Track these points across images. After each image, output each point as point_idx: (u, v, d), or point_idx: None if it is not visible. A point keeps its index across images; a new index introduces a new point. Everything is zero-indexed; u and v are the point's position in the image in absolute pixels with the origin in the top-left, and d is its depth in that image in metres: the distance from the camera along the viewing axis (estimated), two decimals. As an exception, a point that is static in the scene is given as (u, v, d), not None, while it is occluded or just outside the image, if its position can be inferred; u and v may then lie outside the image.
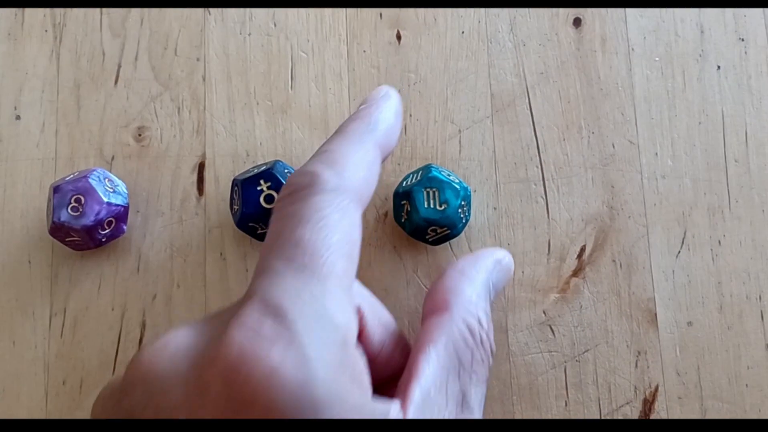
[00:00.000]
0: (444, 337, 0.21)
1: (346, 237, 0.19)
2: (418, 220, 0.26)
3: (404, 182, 0.27)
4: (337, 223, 0.19)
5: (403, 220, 0.27)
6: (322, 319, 0.18)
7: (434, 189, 0.26)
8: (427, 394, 0.19)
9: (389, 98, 0.24)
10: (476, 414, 0.20)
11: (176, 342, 0.19)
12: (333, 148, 0.21)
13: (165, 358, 0.18)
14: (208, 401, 0.17)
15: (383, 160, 0.23)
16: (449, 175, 0.27)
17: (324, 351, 0.17)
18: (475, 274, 0.23)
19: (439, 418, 0.19)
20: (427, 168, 0.27)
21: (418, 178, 0.26)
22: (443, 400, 0.20)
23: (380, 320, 0.22)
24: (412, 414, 0.19)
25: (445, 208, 0.26)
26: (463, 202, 0.26)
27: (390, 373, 0.22)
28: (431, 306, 0.22)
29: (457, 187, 0.26)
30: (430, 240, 0.27)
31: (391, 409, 0.18)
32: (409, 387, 0.19)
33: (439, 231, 0.26)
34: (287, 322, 0.17)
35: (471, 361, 0.21)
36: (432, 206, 0.26)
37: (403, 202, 0.26)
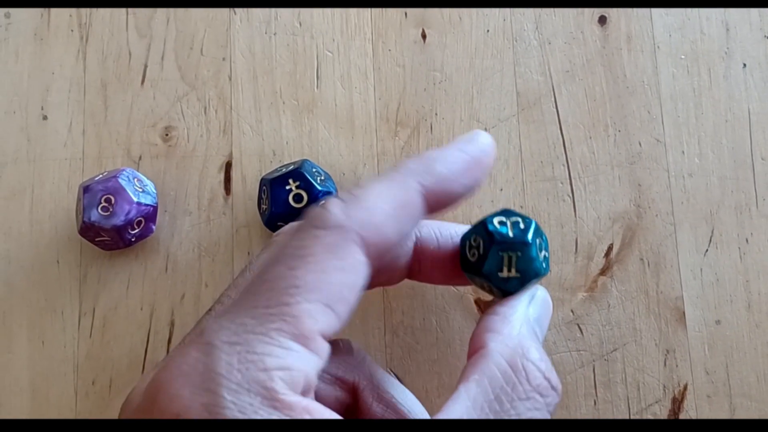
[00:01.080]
0: (477, 374, 0.19)
1: (324, 278, 0.18)
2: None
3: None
4: (316, 263, 0.18)
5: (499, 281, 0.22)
6: (249, 362, 0.17)
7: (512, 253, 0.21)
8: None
9: (469, 141, 0.21)
10: None
11: (138, 389, 0.20)
12: (363, 184, 0.19)
13: (126, 405, 0.20)
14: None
15: (434, 210, 0.20)
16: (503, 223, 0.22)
17: (241, 396, 0.16)
18: (511, 311, 0.21)
19: None
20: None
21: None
22: None
23: (381, 394, 0.22)
24: None
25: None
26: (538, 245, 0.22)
27: None
28: (469, 353, 0.20)
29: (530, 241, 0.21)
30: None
31: None
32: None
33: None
34: (210, 364, 0.17)
35: (512, 398, 0.18)
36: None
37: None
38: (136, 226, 0.26)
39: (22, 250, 0.28)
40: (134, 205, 0.26)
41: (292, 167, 0.26)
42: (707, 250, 0.28)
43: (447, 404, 0.18)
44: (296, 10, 0.30)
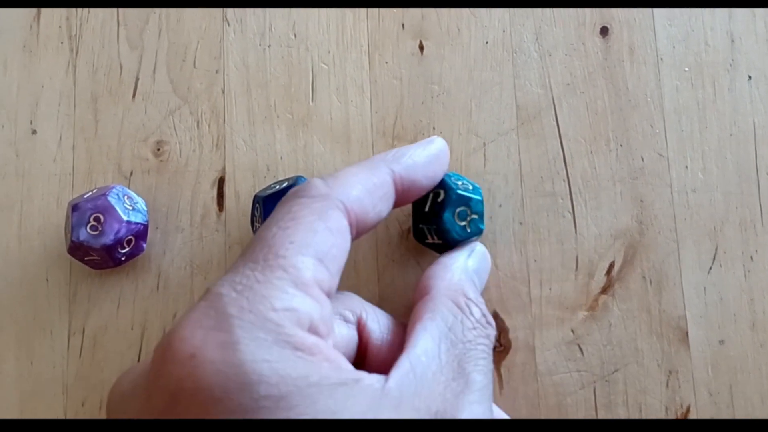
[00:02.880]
0: (429, 312, 0.21)
1: (314, 236, 0.20)
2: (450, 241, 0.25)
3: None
4: (306, 224, 0.20)
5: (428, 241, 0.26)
6: (257, 304, 0.18)
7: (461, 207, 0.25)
8: (418, 359, 0.19)
9: (429, 142, 0.24)
10: (479, 384, 0.20)
11: (138, 364, 0.21)
12: (341, 168, 0.23)
13: (125, 376, 0.20)
14: (153, 396, 0.18)
15: (404, 198, 0.23)
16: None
17: (253, 331, 0.17)
18: (452, 262, 0.24)
19: (433, 384, 0.19)
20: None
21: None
22: (437, 366, 0.20)
23: (379, 321, 0.22)
24: (397, 374, 0.19)
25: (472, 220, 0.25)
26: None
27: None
28: (416, 297, 0.23)
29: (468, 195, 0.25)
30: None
31: (368, 375, 0.18)
32: (398, 358, 0.19)
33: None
34: (220, 307, 0.18)
35: (462, 329, 0.21)
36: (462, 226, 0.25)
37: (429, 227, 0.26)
38: (126, 245, 0.25)
39: (10, 267, 0.27)
40: (124, 224, 0.25)
41: (285, 184, 0.26)
42: (711, 268, 0.28)
43: (411, 341, 0.20)
44: (291, 21, 0.29)
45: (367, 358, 0.22)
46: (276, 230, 0.20)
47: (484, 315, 0.22)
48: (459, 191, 0.25)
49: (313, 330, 0.19)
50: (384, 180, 0.22)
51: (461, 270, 0.24)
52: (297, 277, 0.19)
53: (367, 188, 0.22)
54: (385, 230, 0.28)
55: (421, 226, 0.26)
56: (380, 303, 0.27)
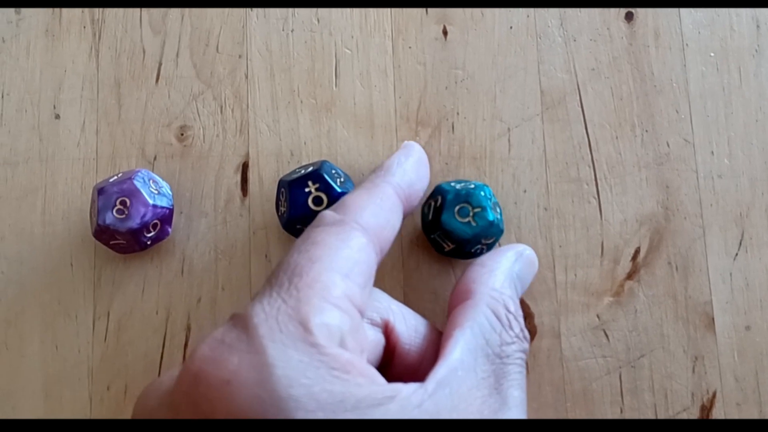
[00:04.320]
0: (469, 321, 0.21)
1: (336, 254, 0.20)
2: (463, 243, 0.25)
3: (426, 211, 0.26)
4: (327, 245, 0.20)
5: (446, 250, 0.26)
6: (288, 323, 0.18)
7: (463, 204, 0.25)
8: (454, 372, 0.19)
9: (410, 149, 0.25)
10: (516, 399, 0.20)
11: (165, 376, 0.20)
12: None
13: (152, 391, 0.20)
14: (180, 415, 0.17)
15: (409, 204, 0.24)
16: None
17: (287, 351, 0.17)
18: (496, 266, 0.23)
19: (470, 399, 0.19)
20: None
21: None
22: (473, 381, 0.19)
23: (407, 322, 0.22)
24: (432, 389, 0.18)
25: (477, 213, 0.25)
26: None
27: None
28: (455, 299, 0.23)
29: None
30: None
31: (404, 389, 0.18)
32: (435, 367, 0.19)
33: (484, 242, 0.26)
34: (250, 329, 0.18)
35: (500, 343, 0.21)
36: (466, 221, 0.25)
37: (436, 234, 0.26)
38: (151, 229, 0.25)
39: (34, 251, 0.27)
40: (150, 208, 0.25)
41: (311, 169, 0.26)
42: (737, 254, 0.27)
43: (446, 350, 0.20)
44: (314, 6, 0.29)
45: (395, 361, 0.22)
46: (297, 255, 0.20)
47: (522, 329, 0.22)
48: (455, 191, 0.25)
49: (345, 344, 0.18)
50: (387, 193, 0.23)
51: (505, 275, 0.23)
52: (325, 292, 0.19)
53: (376, 205, 0.22)
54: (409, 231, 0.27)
55: (432, 236, 0.26)
56: (404, 289, 0.27)
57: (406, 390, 0.18)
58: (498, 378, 0.20)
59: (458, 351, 0.20)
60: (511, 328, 0.21)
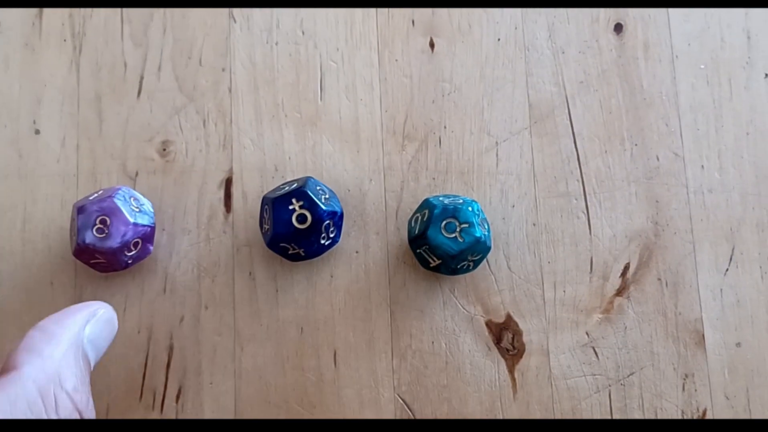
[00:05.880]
0: (4, 405, 0.17)
1: None
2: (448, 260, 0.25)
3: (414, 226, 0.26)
4: None
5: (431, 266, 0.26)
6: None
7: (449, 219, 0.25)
8: None
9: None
10: None
11: None
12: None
13: None
14: None
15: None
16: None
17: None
18: (61, 331, 0.19)
19: None
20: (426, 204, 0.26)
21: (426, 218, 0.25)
22: None
23: None
24: None
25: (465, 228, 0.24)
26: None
27: None
28: (2, 368, 0.18)
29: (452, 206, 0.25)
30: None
31: None
32: None
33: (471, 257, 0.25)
34: None
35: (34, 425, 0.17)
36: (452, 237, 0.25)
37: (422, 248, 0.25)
38: (132, 248, 0.25)
39: (14, 269, 0.27)
40: (131, 227, 0.24)
41: (295, 185, 0.25)
42: (727, 270, 0.27)
43: None
44: (298, 18, 0.28)
45: None
46: None
47: (78, 411, 0.18)
48: (442, 205, 0.25)
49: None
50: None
51: (70, 343, 0.19)
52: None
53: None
54: (396, 234, 0.27)
55: (418, 251, 0.25)
56: (391, 306, 0.26)
57: None
58: None
59: None
60: (56, 411, 0.18)
